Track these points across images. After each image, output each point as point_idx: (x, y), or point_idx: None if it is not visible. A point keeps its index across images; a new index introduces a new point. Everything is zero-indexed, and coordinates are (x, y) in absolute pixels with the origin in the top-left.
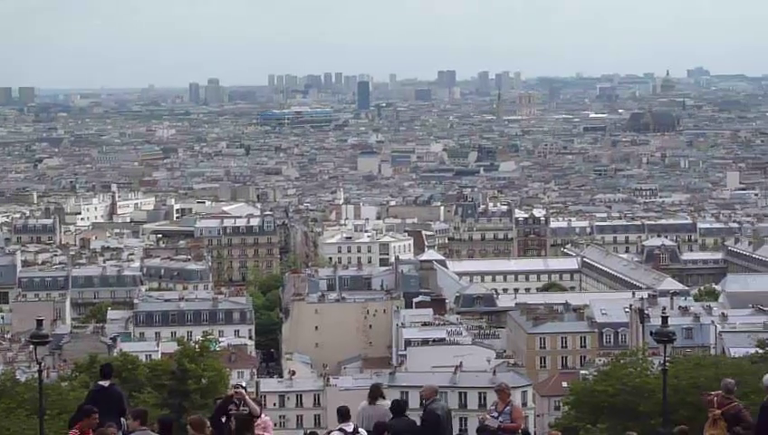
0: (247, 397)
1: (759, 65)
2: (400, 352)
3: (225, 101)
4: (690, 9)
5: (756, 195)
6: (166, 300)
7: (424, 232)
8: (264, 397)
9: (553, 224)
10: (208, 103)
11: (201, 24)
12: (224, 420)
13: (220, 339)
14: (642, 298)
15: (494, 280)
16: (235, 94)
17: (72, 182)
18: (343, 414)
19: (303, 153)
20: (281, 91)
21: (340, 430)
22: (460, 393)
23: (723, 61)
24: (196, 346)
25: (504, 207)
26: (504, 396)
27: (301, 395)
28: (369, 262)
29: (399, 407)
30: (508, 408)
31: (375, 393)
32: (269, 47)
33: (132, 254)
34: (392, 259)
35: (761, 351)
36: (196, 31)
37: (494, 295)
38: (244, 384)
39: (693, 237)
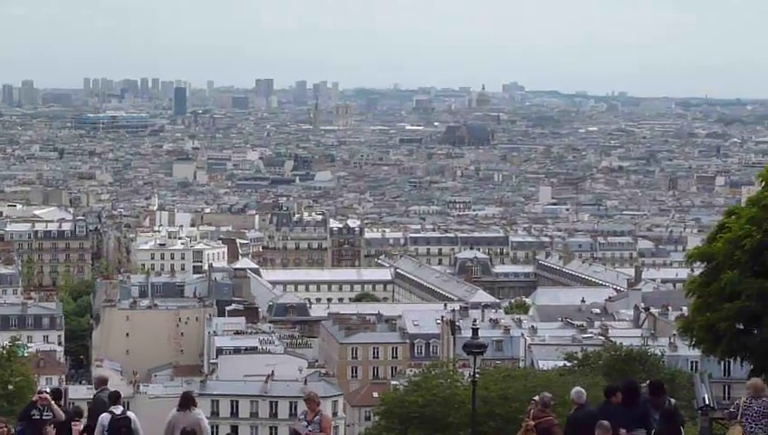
0: (52, 402)
1: (572, 82)
2: (212, 361)
3: (40, 103)
4: (503, 25)
5: (567, 210)
6: None
7: (238, 240)
8: (73, 404)
9: (368, 234)
10: (22, 105)
11: (14, 24)
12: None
13: (28, 344)
14: (454, 310)
15: (307, 289)
16: (50, 97)
17: None
18: (114, 398)
19: (118, 158)
20: (96, 94)
21: (109, 412)
22: (271, 402)
23: (537, 77)
24: (4, 351)
25: (319, 217)
26: (313, 405)
27: None
28: (183, 269)
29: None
30: (317, 417)
31: (187, 401)
32: (84, 50)
33: None
34: (206, 267)
35: (569, 364)
36: (9, 31)
37: (308, 305)
38: (48, 390)
39: (505, 250)
